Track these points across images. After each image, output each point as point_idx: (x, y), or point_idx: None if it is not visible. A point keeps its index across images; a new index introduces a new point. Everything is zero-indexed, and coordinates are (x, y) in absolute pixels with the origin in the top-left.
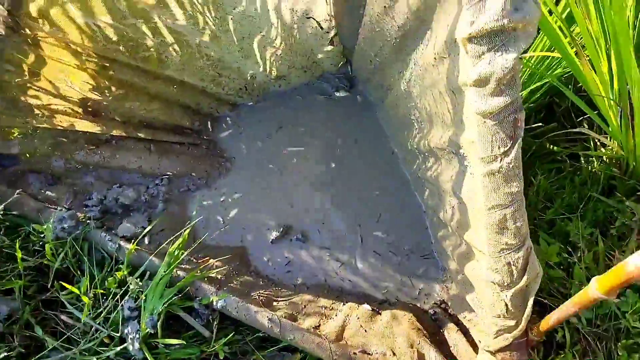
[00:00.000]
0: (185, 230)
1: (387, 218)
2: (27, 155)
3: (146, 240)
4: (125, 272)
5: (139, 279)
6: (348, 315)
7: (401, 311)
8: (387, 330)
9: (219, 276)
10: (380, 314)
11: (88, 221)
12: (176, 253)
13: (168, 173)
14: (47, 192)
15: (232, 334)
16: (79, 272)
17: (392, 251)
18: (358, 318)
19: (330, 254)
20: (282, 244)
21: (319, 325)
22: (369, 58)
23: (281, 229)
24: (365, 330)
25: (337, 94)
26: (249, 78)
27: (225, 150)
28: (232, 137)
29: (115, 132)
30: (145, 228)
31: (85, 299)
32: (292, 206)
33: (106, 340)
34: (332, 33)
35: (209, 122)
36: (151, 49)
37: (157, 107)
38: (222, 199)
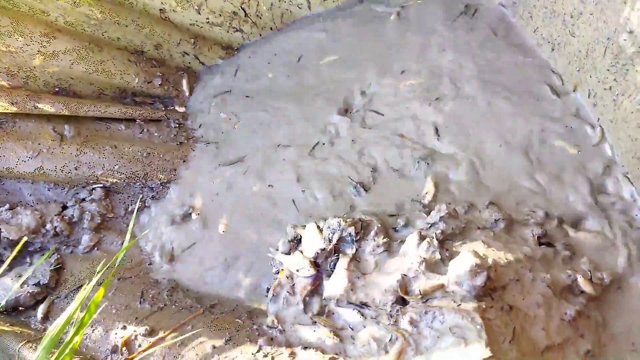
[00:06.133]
0: (95, 284)
1: None
2: None
3: (39, 313)
4: None
5: None
6: None
7: None
8: None
9: None
10: None
11: None
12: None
13: (100, 178)
14: None
15: None
16: None
17: None
18: None
19: None
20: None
21: None
22: None
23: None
24: None
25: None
26: None
27: (213, 127)
28: (226, 104)
29: None
30: (45, 284)
31: None
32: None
33: None
34: None
35: (183, 80)
36: None
37: (69, 46)
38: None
